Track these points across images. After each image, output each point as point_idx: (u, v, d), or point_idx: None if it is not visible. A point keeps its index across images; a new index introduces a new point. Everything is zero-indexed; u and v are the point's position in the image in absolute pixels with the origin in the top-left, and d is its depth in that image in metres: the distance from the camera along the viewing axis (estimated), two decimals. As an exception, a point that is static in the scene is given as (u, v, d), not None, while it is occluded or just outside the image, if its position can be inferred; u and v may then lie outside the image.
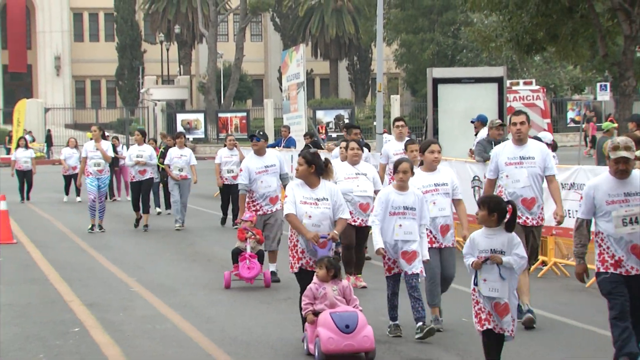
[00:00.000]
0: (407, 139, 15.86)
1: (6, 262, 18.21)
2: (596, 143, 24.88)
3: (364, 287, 14.23)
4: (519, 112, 12.06)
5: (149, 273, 16.65)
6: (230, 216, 22.79)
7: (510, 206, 8.90)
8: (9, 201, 22.69)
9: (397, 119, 19.04)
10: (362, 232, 14.35)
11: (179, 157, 22.72)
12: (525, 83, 31.11)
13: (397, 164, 11.06)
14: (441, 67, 46.60)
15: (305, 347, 10.25)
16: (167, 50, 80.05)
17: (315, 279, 10.22)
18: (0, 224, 20.85)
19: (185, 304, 13.77)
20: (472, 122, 22.02)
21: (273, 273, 14.97)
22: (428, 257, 10.99)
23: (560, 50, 28.93)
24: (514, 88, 29.55)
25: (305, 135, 29.66)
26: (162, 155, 23.99)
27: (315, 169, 10.74)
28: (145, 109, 79.58)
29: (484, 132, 19.62)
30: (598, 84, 50.44)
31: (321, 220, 10.61)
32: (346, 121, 56.68)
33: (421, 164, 11.74)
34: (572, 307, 13.05)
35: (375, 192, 13.80)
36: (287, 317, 12.63)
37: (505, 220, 8.87)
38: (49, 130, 69.45)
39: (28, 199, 31.05)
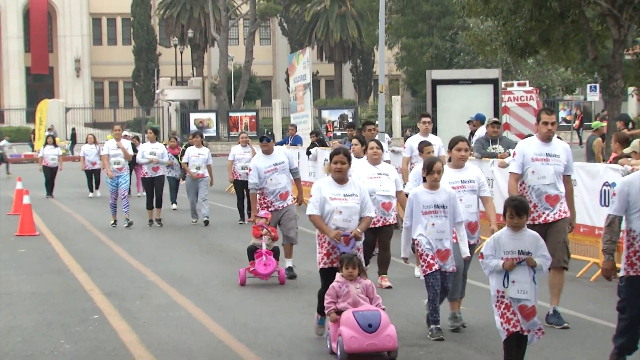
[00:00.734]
0: (422, 140, 15.06)
1: (29, 253, 18.32)
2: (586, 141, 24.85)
3: (389, 287, 13.49)
4: (550, 111, 11.46)
5: (164, 264, 16.65)
6: (244, 213, 22.44)
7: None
8: (32, 195, 22.73)
9: (424, 115, 17.85)
10: (385, 231, 13.67)
11: (197, 156, 22.28)
12: (519, 84, 31.02)
13: (430, 164, 10.41)
14: (440, 69, 46.41)
15: (328, 346, 9.84)
16: (181, 53, 79.98)
17: (338, 277, 9.83)
18: (24, 217, 20.95)
19: (198, 293, 13.79)
20: (468, 122, 22.01)
21: (290, 268, 14.58)
22: (468, 254, 10.49)
23: (552, 53, 28.89)
24: (508, 89, 29.50)
25: (311, 134, 29.62)
26: (183, 153, 23.58)
27: (349, 167, 10.52)
28: (160, 109, 79.43)
29: (482, 130, 19.62)
30: (588, 85, 50.35)
31: (351, 215, 10.25)
32: (349, 120, 56.52)
33: (449, 160, 11.32)
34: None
35: (397, 192, 13.52)
36: (296, 306, 12.68)
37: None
38: (73, 129, 69.47)
39: (51, 195, 30.99)
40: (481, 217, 11.38)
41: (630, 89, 46.78)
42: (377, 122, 23.48)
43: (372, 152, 13.54)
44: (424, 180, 10.44)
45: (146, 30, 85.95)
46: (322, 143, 28.31)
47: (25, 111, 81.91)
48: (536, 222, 10.85)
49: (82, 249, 18.79)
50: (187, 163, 22.35)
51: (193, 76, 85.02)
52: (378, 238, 13.60)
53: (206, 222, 22.10)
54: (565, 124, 55.70)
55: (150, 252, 18.14)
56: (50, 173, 31.38)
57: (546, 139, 11.26)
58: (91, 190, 31.14)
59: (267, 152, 14.94)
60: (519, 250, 8.36)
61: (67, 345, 10.60)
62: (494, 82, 25.22)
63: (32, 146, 61.33)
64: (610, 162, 14.88)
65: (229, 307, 12.69)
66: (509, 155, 16.65)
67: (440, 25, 63.80)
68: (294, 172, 15.07)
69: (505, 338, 8.45)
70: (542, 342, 8.99)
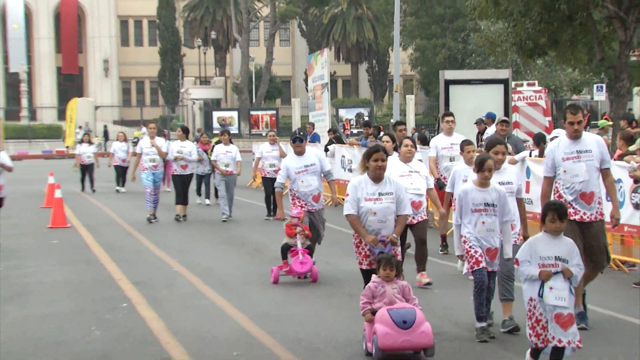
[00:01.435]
0: (463, 139, 14.00)
1: (61, 244, 18.41)
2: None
3: (429, 283, 12.77)
4: (576, 110, 10.46)
5: (190, 255, 16.67)
6: (271, 209, 22.15)
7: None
8: (63, 190, 22.81)
9: (447, 114, 17.16)
10: (419, 227, 13.00)
11: (225, 154, 21.87)
12: (528, 84, 30.96)
13: (482, 162, 9.74)
14: (452, 69, 46.33)
15: (364, 347, 9.30)
16: (204, 54, 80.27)
17: (374, 277, 9.34)
18: (56, 211, 21.05)
19: (222, 282, 13.82)
20: (475, 123, 21.97)
21: None
22: (510, 255, 9.66)
23: (560, 54, 28.73)
24: (518, 89, 29.45)
25: (329, 131, 29.59)
26: (213, 149, 23.00)
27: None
28: (184, 107, 79.70)
29: (492, 129, 19.59)
30: (595, 86, 50.05)
31: (386, 216, 9.80)
32: (366, 119, 56.51)
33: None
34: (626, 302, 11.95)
35: (428, 190, 13.14)
36: (315, 294, 12.68)
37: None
38: (105, 126, 69.77)
39: (93, 190, 31.09)
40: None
41: (636, 89, 46.57)
42: (392, 120, 23.43)
43: (407, 150, 13.04)
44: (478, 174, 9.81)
45: (171, 32, 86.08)
46: (339, 140, 28.31)
47: (57, 109, 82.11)
48: (571, 218, 9.97)
49: (111, 241, 18.85)
50: (216, 160, 21.96)
51: (216, 76, 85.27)
52: (414, 235, 12.99)
53: (224, 217, 21.85)
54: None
55: (176, 245, 18.15)
56: (85, 170, 31.54)
57: (574, 137, 10.50)
58: (118, 184, 31.27)
59: (299, 153, 14.29)
60: (555, 257, 7.89)
61: (98, 332, 10.65)
62: (505, 82, 25.17)
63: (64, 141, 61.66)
64: (615, 159, 14.80)
65: (251, 297, 12.70)
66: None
67: (453, 27, 63.64)
68: (326, 174, 14.41)
69: (531, 350, 8.11)
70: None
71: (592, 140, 10.59)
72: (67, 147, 59.15)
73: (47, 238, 19.15)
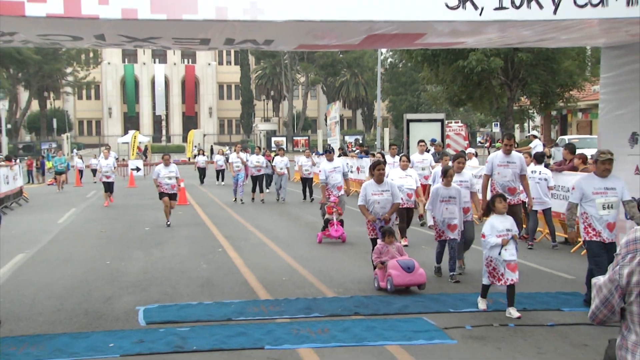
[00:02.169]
0: (469, 150, 12.77)
1: (184, 215, 18.44)
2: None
3: (406, 245, 11.91)
4: (510, 137, 9.23)
5: (258, 221, 16.57)
6: (306, 195, 21.87)
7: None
8: (186, 183, 22.74)
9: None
10: (409, 212, 12.32)
11: (280, 162, 21.93)
12: (455, 122, 30.77)
13: (445, 171, 9.20)
14: (411, 113, 46.11)
15: (376, 285, 8.64)
16: (267, 103, 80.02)
17: (379, 242, 8.86)
18: (181, 195, 21.00)
19: (276, 236, 13.69)
20: (431, 141, 21.74)
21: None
22: (462, 228, 9.07)
23: (474, 105, 28.71)
24: (449, 124, 29.26)
25: (339, 149, 29.55)
26: (273, 159, 23.07)
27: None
28: (255, 135, 79.67)
29: (431, 150, 19.32)
30: (493, 123, 49.80)
31: (385, 205, 9.08)
32: (360, 142, 56.21)
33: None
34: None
35: (417, 188, 12.41)
36: (341, 250, 12.37)
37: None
38: (211, 145, 69.63)
39: (202, 183, 31.13)
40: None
41: (517, 125, 46.18)
42: (376, 143, 23.25)
43: (403, 164, 12.50)
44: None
45: (248, 90, 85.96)
46: (345, 154, 28.26)
47: (182, 136, 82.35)
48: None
49: (212, 212, 18.84)
50: (275, 165, 21.97)
51: (273, 116, 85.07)
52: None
53: (279, 200, 21.67)
54: (481, 145, 54.97)
55: (251, 215, 18.06)
56: (201, 171, 32.45)
57: (506, 152, 9.44)
58: (217, 180, 31.33)
59: (330, 159, 14.00)
60: (506, 229, 7.26)
61: (205, 265, 10.61)
62: (441, 121, 24.99)
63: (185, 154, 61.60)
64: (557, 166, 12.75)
65: (295, 245, 12.54)
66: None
67: (412, 89, 63.30)
68: (344, 174, 13.86)
69: (481, 292, 7.51)
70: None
71: (516, 155, 10.15)
72: (188, 157, 59.34)
73: (175, 211, 19.10)
